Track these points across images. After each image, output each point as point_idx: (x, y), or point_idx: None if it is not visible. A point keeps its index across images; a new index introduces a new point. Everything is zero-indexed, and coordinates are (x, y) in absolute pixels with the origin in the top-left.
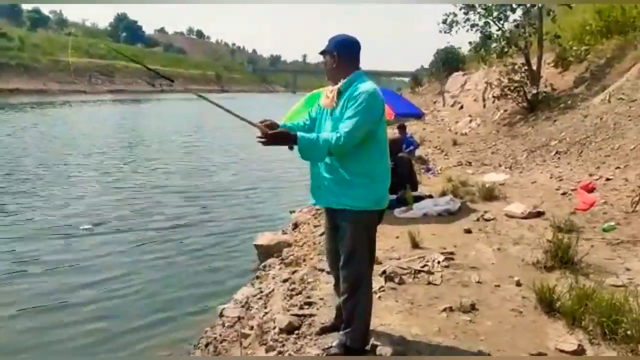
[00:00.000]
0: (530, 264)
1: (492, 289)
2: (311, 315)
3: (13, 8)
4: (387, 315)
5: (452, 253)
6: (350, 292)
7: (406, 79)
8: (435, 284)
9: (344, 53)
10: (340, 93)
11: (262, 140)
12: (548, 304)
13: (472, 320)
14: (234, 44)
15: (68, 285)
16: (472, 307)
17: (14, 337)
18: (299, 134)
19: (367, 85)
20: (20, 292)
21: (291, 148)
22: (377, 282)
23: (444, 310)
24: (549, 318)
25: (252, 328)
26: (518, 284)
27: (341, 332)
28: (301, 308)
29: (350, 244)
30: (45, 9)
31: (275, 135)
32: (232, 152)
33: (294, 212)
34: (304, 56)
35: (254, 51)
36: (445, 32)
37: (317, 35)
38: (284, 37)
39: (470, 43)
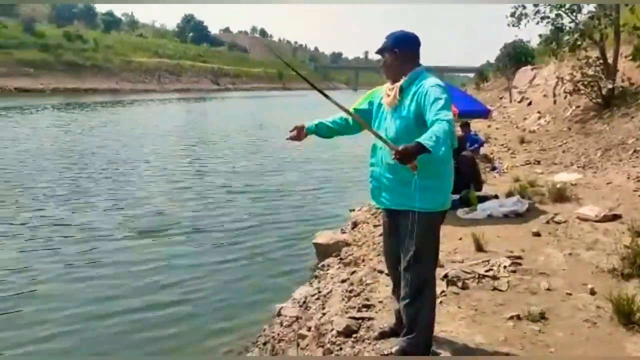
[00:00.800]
0: (605, 271)
1: (563, 297)
2: (370, 318)
3: (89, 12)
4: (449, 321)
5: (519, 257)
6: (413, 297)
7: (471, 75)
8: (501, 290)
9: (405, 49)
10: (402, 90)
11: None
12: (626, 316)
13: (542, 330)
14: (296, 42)
15: (130, 286)
16: (542, 316)
17: (81, 341)
18: (422, 141)
19: (434, 80)
20: (85, 296)
21: (415, 168)
22: (438, 287)
23: (511, 318)
24: (627, 331)
25: (309, 329)
26: (592, 292)
27: (402, 338)
28: (359, 311)
29: (416, 247)
30: (118, 12)
31: (405, 153)
32: (293, 151)
33: (353, 210)
34: (366, 52)
35: (316, 49)
36: (513, 25)
37: (379, 32)
38: (345, 33)
39: (540, 36)
